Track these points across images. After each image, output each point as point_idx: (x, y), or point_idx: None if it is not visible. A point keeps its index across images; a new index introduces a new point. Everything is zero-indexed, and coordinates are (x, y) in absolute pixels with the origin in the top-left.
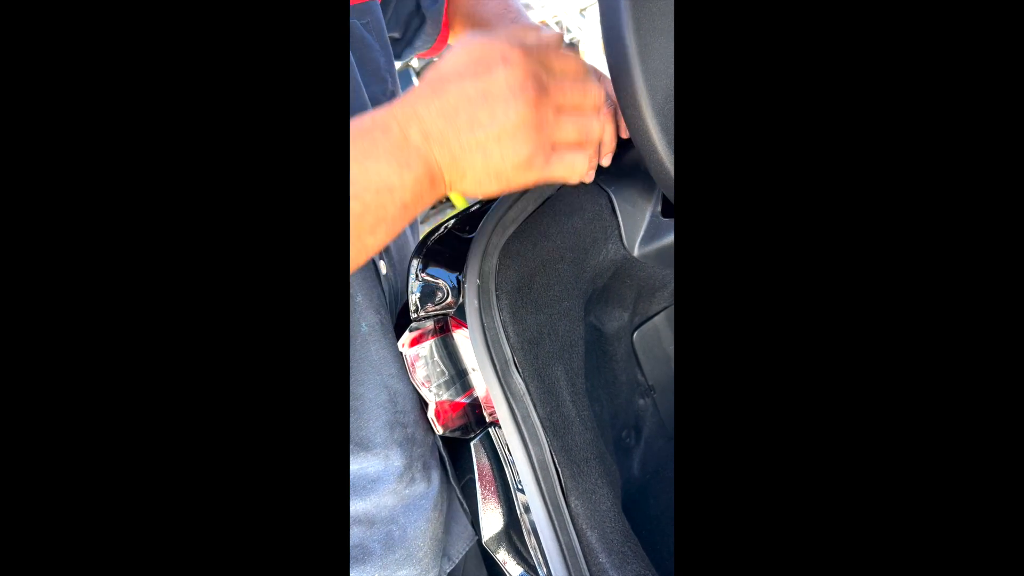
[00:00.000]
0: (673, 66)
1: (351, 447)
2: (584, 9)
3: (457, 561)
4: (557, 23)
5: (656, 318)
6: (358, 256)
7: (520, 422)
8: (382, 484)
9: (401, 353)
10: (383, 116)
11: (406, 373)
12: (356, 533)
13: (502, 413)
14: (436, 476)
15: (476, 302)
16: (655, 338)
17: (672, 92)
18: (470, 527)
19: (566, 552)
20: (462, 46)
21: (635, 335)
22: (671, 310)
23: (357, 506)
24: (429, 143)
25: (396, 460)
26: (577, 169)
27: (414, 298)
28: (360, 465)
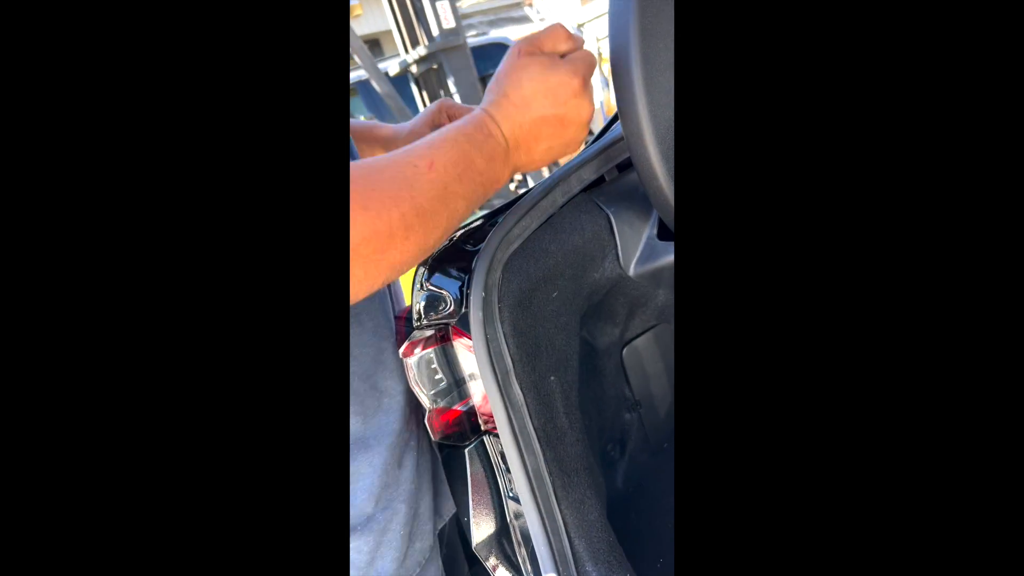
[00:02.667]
0: (673, 95)
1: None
2: (581, 25)
3: (447, 519)
4: None
5: (645, 335)
6: (446, 220)
7: (517, 432)
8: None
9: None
10: (483, 120)
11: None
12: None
13: (501, 422)
14: (425, 442)
15: (480, 313)
16: (643, 354)
17: (672, 123)
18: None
19: (558, 559)
20: (537, 71)
21: (624, 351)
22: (659, 328)
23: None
24: (518, 150)
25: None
26: None
27: (418, 307)
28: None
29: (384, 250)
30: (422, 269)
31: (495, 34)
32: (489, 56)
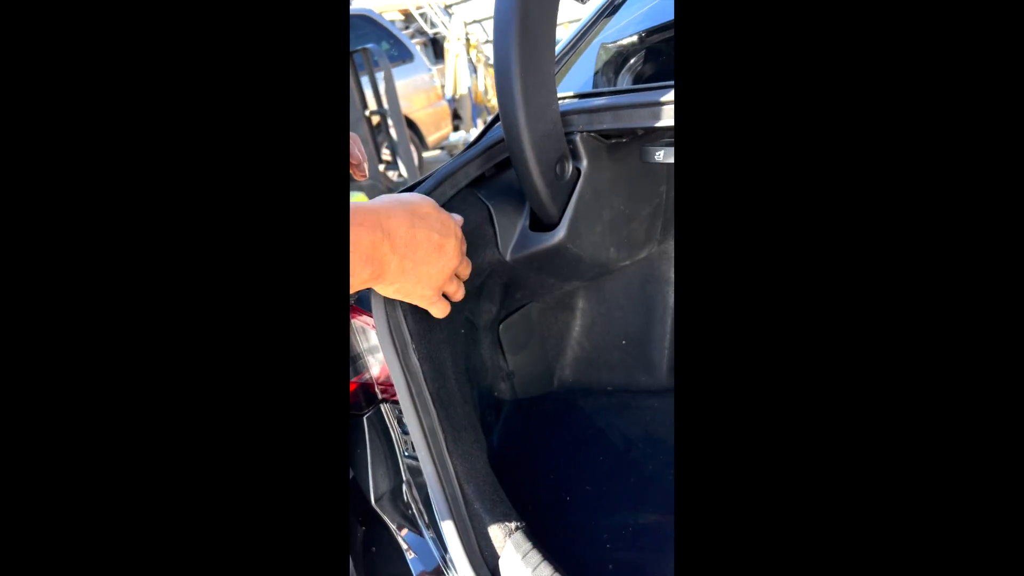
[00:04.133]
0: (546, 112)
1: None
2: (448, 6)
3: None
4: (421, 15)
5: (518, 312)
6: None
7: (415, 395)
8: None
9: None
10: (372, 218)
11: None
12: None
13: (400, 388)
14: None
15: (381, 296)
16: (516, 329)
17: (546, 132)
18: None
19: (451, 502)
20: (432, 204)
21: (500, 327)
22: (530, 306)
23: None
24: (394, 255)
25: None
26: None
27: None
28: None
29: None
30: None
31: (358, 5)
32: (354, 27)
